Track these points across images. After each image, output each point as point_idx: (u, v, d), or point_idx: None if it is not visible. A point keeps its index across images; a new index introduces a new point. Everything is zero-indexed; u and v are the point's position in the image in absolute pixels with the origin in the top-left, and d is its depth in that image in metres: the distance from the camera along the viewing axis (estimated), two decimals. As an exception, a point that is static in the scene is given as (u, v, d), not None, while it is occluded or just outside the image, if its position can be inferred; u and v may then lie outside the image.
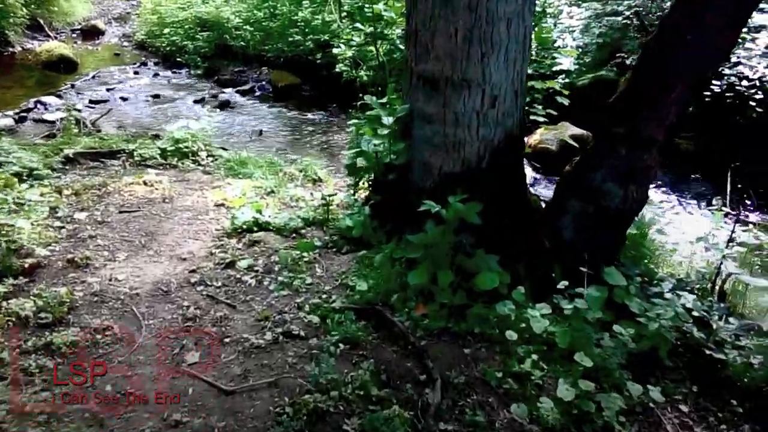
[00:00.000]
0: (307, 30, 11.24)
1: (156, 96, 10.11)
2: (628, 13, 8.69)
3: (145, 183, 5.28)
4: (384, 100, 4.20)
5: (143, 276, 3.67)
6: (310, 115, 9.84)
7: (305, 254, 3.98)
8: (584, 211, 3.77)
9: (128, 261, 3.85)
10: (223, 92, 10.47)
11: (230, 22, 12.07)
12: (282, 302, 3.48)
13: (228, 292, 3.57)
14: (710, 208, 6.70)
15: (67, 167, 6.01)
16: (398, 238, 3.85)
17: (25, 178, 4.88)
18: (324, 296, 3.51)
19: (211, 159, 6.74)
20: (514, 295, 3.36)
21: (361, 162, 4.14)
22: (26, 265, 3.54)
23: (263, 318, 3.31)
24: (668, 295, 3.60)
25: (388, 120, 3.91)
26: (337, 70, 10.18)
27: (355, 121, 4.50)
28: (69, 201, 4.72)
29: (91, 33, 14.19)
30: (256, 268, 3.82)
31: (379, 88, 4.99)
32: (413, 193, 3.84)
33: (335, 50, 4.96)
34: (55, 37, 13.34)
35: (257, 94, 10.64)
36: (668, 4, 8.54)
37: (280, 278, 3.69)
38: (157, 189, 5.20)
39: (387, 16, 4.58)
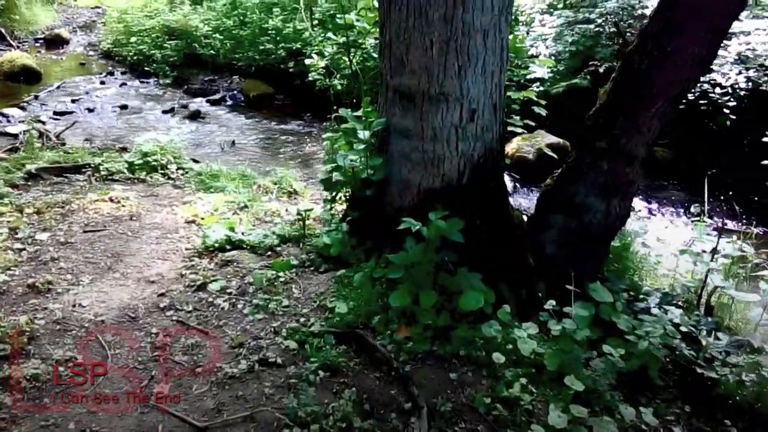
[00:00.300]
0: (278, 38, 11.08)
1: (123, 106, 9.83)
2: (600, 21, 8.74)
3: (111, 200, 5.06)
4: (359, 112, 4.08)
5: (109, 301, 3.47)
6: (283, 125, 9.68)
7: (281, 274, 3.82)
8: (567, 226, 3.70)
9: (93, 285, 3.64)
10: (193, 102, 10.24)
11: (199, 30, 11.85)
12: (257, 327, 3.32)
13: (200, 317, 3.39)
14: (689, 216, 6.73)
15: (29, 183, 5.75)
16: (378, 256, 3.73)
17: (-18, 197, 4.63)
18: (302, 319, 3.36)
19: (181, 172, 6.53)
20: (500, 314, 3.25)
21: (336, 176, 4.01)
22: (-19, 293, 3.32)
23: (237, 345, 3.15)
24: (655, 311, 3.55)
25: (364, 134, 3.80)
26: (310, 78, 10.05)
27: (330, 134, 4.37)
28: (30, 220, 4.49)
29: (55, 42, 13.79)
30: (229, 290, 3.66)
31: (354, 100, 4.87)
32: (392, 210, 3.72)
33: (308, 60, 4.83)
34: (18, 47, 12.92)
35: (228, 103, 10.44)
36: (641, 11, 8.62)
37: (255, 301, 3.52)
38: (124, 206, 4.98)
39: (359, 26, 4.47)
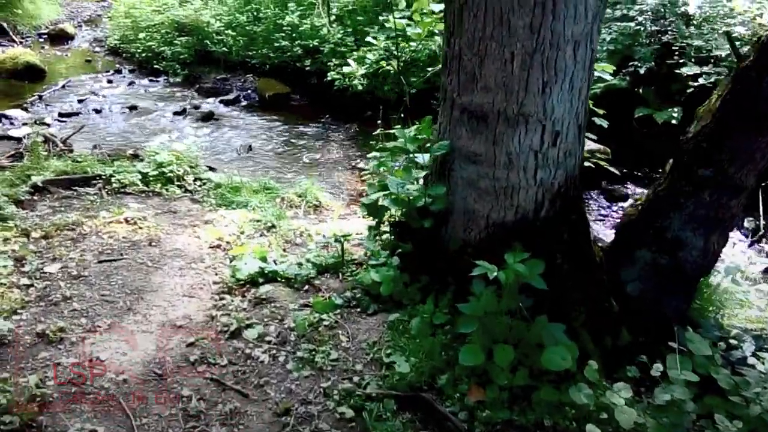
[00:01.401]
0: (294, 35, 10.54)
1: (133, 107, 9.34)
2: (640, 18, 8.20)
3: (126, 221, 4.59)
4: (411, 130, 3.60)
5: (131, 353, 3.01)
6: (301, 128, 9.17)
7: (325, 316, 3.35)
8: (655, 263, 3.21)
9: (112, 331, 3.17)
10: (206, 102, 9.74)
11: (210, 26, 11.29)
12: (304, 387, 2.85)
13: (237, 374, 2.92)
14: (744, 232, 6.23)
15: (35, 198, 5.28)
16: (436, 296, 3.26)
17: (-16, 219, 4.16)
18: (355, 378, 2.89)
19: (199, 183, 6.06)
20: (587, 373, 2.77)
21: (383, 201, 3.52)
22: (-16, 346, 2.86)
23: (283, 411, 2.69)
24: (752, 360, 3.10)
25: (423, 158, 3.32)
26: (329, 78, 9.55)
27: (377, 154, 3.89)
28: (38, 247, 4.02)
29: (59, 37, 13.26)
30: (268, 338, 3.18)
31: (402, 114, 4.38)
32: (454, 245, 3.24)
33: (346, 68, 4.31)
34: (21, 43, 12.41)
35: (243, 104, 9.93)
36: (683, 8, 8.09)
37: (298, 353, 3.05)
38: (141, 228, 4.51)
39: (411, 33, 3.97)
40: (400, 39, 4.06)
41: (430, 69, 4.56)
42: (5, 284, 3.43)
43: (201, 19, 11.39)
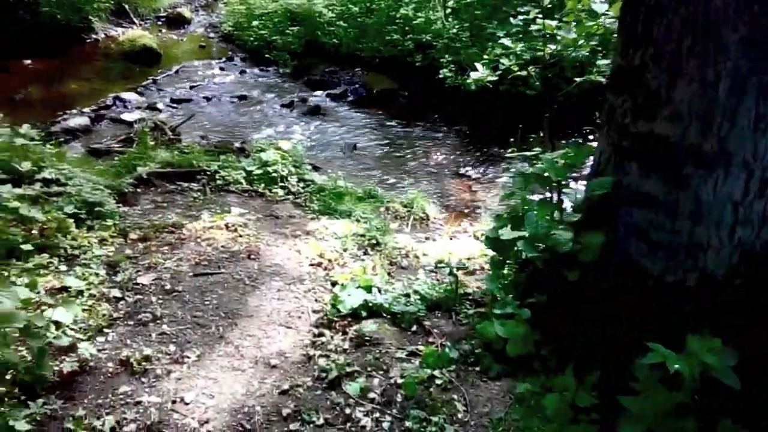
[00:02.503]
0: (406, 29, 10.06)
1: (242, 97, 9.24)
2: None
3: (227, 227, 4.29)
4: (557, 155, 2.99)
5: (219, 396, 2.63)
6: (408, 128, 8.69)
7: (437, 372, 2.83)
8: None
9: (200, 365, 2.82)
10: (313, 96, 9.47)
11: (322, 16, 11.05)
12: (414, 469, 2.35)
13: (335, 440, 2.48)
14: None
15: (138, 191, 5.15)
16: (577, 365, 2.65)
17: (83, 216, 3.98)
18: (477, 465, 2.36)
19: (302, 185, 5.74)
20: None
21: (511, 235, 2.94)
22: (64, 371, 2.58)
23: (389, 501, 2.20)
24: None
25: (574, 194, 2.70)
26: (440, 75, 9.00)
27: (510, 178, 3.32)
28: (134, 251, 3.78)
29: (176, 21, 13.54)
30: (371, 395, 2.71)
31: (547, 136, 3.76)
32: (605, 305, 2.62)
33: (474, 74, 3.74)
34: (140, 25, 12.77)
35: (350, 98, 9.58)
36: None
37: (406, 422, 2.54)
38: (241, 236, 4.19)
39: (565, 36, 3.33)
40: (544, 41, 3.43)
41: (578, 79, 3.92)
42: (95, 296, 3.18)
43: (313, 8, 11.16)
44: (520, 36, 9.16)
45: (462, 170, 7.47)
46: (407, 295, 3.58)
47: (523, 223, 3.00)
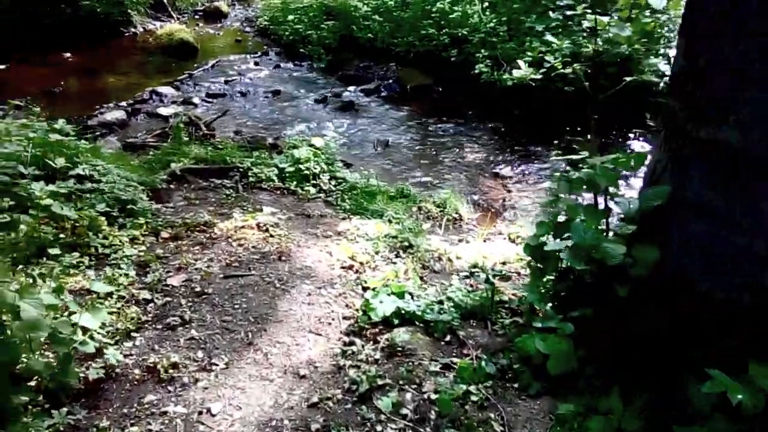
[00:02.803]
0: (442, 23, 9.86)
1: (276, 92, 9.20)
2: None
3: (258, 226, 4.22)
4: (606, 160, 2.81)
5: (246, 407, 2.55)
6: (442, 124, 8.52)
7: (472, 387, 2.70)
8: None
9: (228, 373, 2.75)
10: (347, 91, 9.37)
11: (357, 10, 10.93)
12: (448, 493, 2.23)
13: (365, 458, 2.37)
14: None
15: (172, 187, 5.13)
16: (624, 385, 2.49)
17: (115, 213, 3.95)
18: (515, 494, 2.23)
19: (334, 183, 5.65)
20: None
21: (553, 244, 2.78)
22: (90, 379, 2.52)
23: None
24: None
25: (627, 203, 2.53)
26: (476, 70, 8.79)
27: (553, 182, 3.14)
28: (165, 251, 3.74)
29: (213, 15, 13.62)
30: (403, 410, 2.59)
31: (595, 135, 3.57)
32: (661, 323, 2.45)
33: (516, 72, 3.54)
34: (178, 18, 12.87)
35: (383, 94, 9.45)
36: None
37: (441, 442, 2.43)
38: (272, 236, 4.12)
39: (617, 34, 3.13)
40: (593, 38, 3.24)
41: (627, 78, 3.70)
42: (125, 297, 3.13)
43: (349, 2, 11.05)
44: (560, 30, 8.95)
45: (497, 169, 7.28)
46: (441, 302, 3.45)
47: (567, 232, 2.85)
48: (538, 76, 3.33)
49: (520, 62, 3.55)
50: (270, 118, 8.39)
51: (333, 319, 3.24)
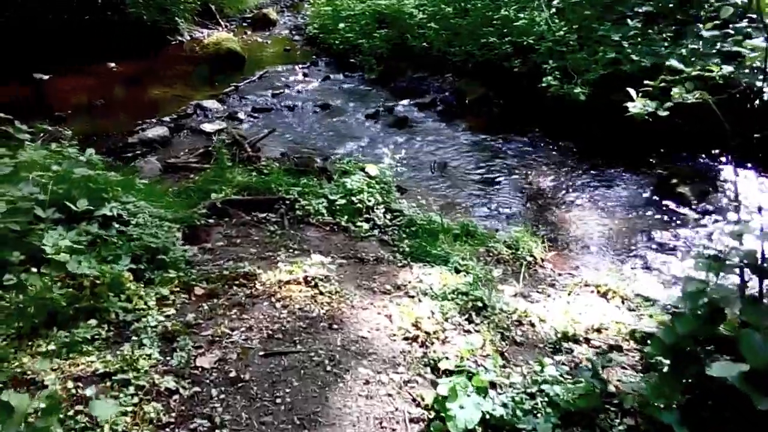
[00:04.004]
0: (504, 30, 9.09)
1: (325, 105, 8.63)
2: None
3: (306, 280, 3.61)
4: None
5: None
6: (504, 143, 7.76)
7: None
8: None
9: (266, 506, 2.13)
10: (399, 105, 8.70)
11: (413, 17, 10.25)
12: None
13: None
14: None
15: (211, 221, 4.60)
16: None
17: (143, 266, 3.40)
18: None
19: (389, 217, 5.02)
20: None
21: (724, 369, 2.04)
22: None
23: None
24: None
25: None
26: (543, 84, 8.01)
27: (692, 259, 2.41)
28: (197, 315, 3.16)
29: (262, 23, 13.17)
30: None
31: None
32: None
33: (630, 106, 2.72)
34: (225, 26, 12.48)
35: (439, 108, 8.75)
36: None
37: None
38: (321, 293, 3.50)
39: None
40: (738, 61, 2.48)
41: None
42: (144, 387, 2.55)
43: (403, 9, 10.40)
44: (639, 40, 8.06)
45: (570, 196, 6.52)
46: (532, 396, 2.76)
47: (714, 329, 2.12)
48: (664, 113, 2.58)
49: (632, 92, 2.81)
50: (318, 135, 7.82)
51: (398, 422, 2.59)
